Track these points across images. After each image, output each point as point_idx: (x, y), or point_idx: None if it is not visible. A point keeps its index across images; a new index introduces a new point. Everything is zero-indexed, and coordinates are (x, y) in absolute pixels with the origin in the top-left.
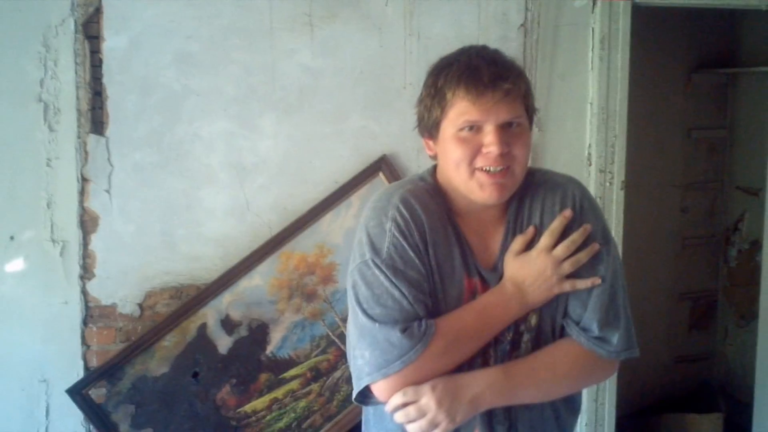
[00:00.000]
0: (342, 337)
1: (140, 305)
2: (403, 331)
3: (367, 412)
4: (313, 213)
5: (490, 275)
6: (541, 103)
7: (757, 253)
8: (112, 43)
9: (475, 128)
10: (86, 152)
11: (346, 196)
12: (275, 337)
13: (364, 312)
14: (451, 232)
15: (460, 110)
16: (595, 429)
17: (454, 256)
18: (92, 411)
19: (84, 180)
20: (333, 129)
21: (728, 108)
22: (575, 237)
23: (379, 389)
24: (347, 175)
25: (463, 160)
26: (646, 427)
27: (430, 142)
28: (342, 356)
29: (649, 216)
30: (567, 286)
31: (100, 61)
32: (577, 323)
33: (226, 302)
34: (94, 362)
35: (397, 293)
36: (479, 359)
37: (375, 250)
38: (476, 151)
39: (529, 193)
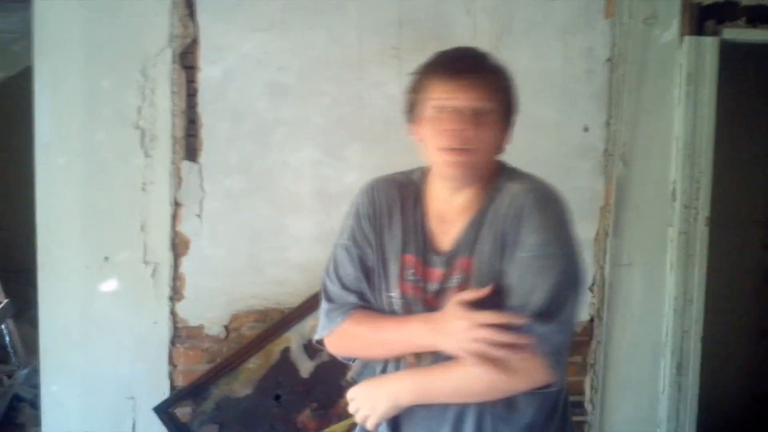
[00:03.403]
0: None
1: (226, 327)
2: (329, 310)
3: None
4: None
5: (437, 257)
6: (626, 138)
7: None
8: (207, 73)
9: (442, 110)
10: (180, 178)
11: None
12: (356, 362)
13: (324, 282)
14: (411, 217)
15: (435, 96)
16: None
17: (401, 237)
18: (177, 429)
19: (177, 204)
20: (418, 160)
21: None
22: (501, 317)
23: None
24: None
25: (432, 139)
26: None
27: (414, 129)
28: None
29: (732, 252)
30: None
31: (195, 90)
32: None
33: (309, 327)
34: (180, 382)
35: (339, 276)
36: None
37: (342, 232)
38: (442, 131)
39: (499, 193)
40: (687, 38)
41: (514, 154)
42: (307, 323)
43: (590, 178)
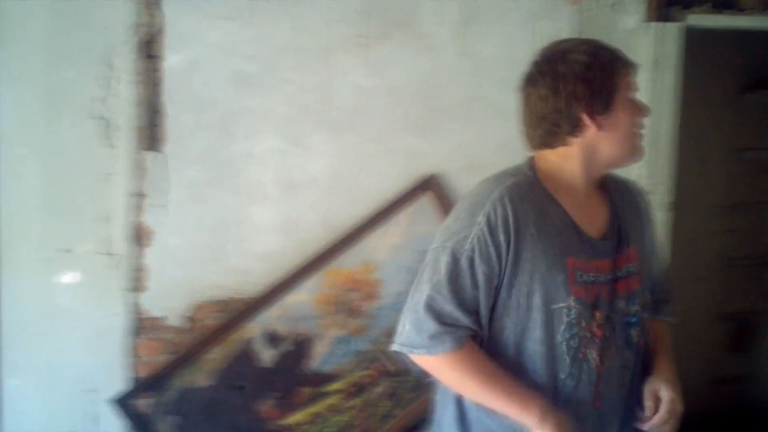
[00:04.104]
0: (384, 353)
1: (189, 318)
2: (439, 333)
3: (463, 410)
4: (361, 230)
5: (603, 243)
6: None
7: None
8: (171, 63)
9: (633, 99)
10: (143, 168)
11: (394, 214)
12: (319, 351)
13: (424, 290)
14: (554, 218)
15: (631, 82)
16: None
17: (559, 243)
18: (138, 421)
19: (140, 195)
20: (383, 148)
21: None
22: None
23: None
24: (396, 193)
25: (635, 128)
26: None
27: (599, 117)
28: (384, 372)
29: (695, 236)
30: None
31: (160, 79)
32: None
33: (272, 316)
34: (143, 373)
35: (455, 290)
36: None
37: (459, 239)
38: (639, 118)
39: (609, 182)
40: (652, 24)
41: (482, 142)
42: (270, 313)
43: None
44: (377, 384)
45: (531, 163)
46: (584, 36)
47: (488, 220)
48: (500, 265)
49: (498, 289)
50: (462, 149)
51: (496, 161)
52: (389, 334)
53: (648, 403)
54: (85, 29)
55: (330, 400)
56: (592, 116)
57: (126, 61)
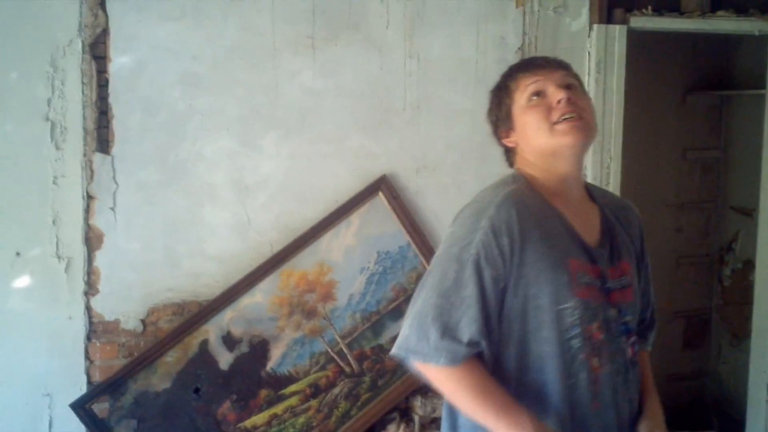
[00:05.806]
0: (341, 354)
1: (143, 321)
2: (442, 347)
3: (456, 423)
4: (314, 231)
5: (598, 251)
6: None
7: (750, 272)
8: (118, 63)
9: (540, 94)
10: (92, 170)
11: (347, 214)
12: (275, 353)
13: (430, 298)
14: (553, 222)
15: (524, 86)
16: None
17: (562, 244)
18: (95, 425)
19: (89, 197)
20: (333, 149)
21: (723, 129)
22: None
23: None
24: (347, 194)
25: (542, 120)
26: None
27: (510, 135)
28: (340, 373)
29: (644, 235)
30: None
31: (107, 80)
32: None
33: (227, 319)
34: (97, 377)
35: (463, 297)
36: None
37: (464, 245)
38: (549, 110)
39: (596, 193)
40: (596, 26)
41: (431, 142)
42: (225, 315)
43: (504, 165)
44: (334, 385)
45: (520, 174)
46: (530, 38)
47: (492, 224)
48: (506, 267)
49: (504, 292)
50: (411, 149)
51: (446, 161)
52: (344, 335)
53: None
54: (29, 30)
55: (288, 402)
56: (507, 139)
57: (72, 62)
